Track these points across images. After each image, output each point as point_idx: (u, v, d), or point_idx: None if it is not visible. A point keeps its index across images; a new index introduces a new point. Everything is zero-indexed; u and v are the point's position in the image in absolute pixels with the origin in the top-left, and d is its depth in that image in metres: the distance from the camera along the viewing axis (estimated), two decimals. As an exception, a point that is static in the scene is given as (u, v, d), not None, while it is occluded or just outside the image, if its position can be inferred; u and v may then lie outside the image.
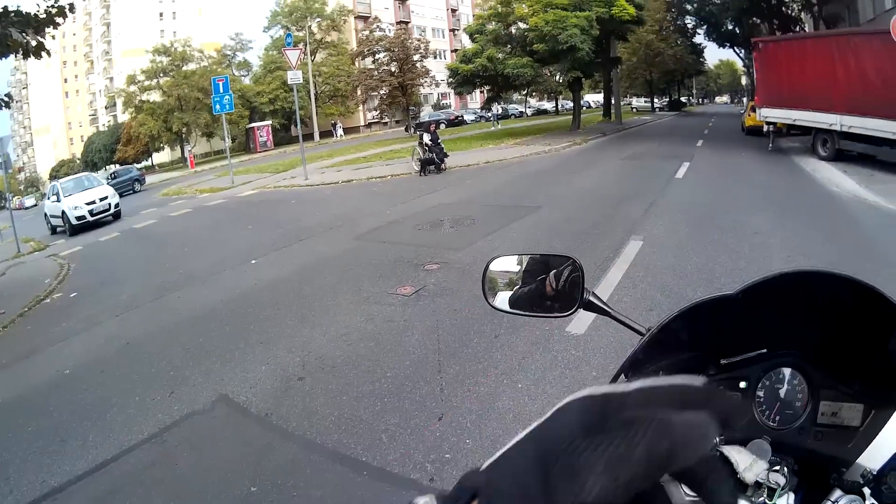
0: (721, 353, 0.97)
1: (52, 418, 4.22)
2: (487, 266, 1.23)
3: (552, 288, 1.16)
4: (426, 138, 15.33)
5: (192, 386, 4.12)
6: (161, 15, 66.57)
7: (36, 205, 44.64)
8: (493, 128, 30.89)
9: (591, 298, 1.11)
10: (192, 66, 48.71)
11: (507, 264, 1.24)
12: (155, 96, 48.34)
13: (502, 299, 1.20)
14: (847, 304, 0.91)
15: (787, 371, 0.95)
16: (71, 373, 5.16)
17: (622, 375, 0.93)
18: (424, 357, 3.96)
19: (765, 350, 0.95)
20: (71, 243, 14.45)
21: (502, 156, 16.39)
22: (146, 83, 48.65)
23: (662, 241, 6.58)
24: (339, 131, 47.91)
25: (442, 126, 38.27)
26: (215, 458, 3.33)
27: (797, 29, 29.77)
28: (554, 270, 1.17)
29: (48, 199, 18.86)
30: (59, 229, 17.40)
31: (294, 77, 17.08)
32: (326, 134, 48.85)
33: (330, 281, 6.31)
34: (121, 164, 49.14)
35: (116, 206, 17.24)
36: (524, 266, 1.23)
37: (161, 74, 48.29)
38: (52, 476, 3.35)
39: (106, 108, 70.28)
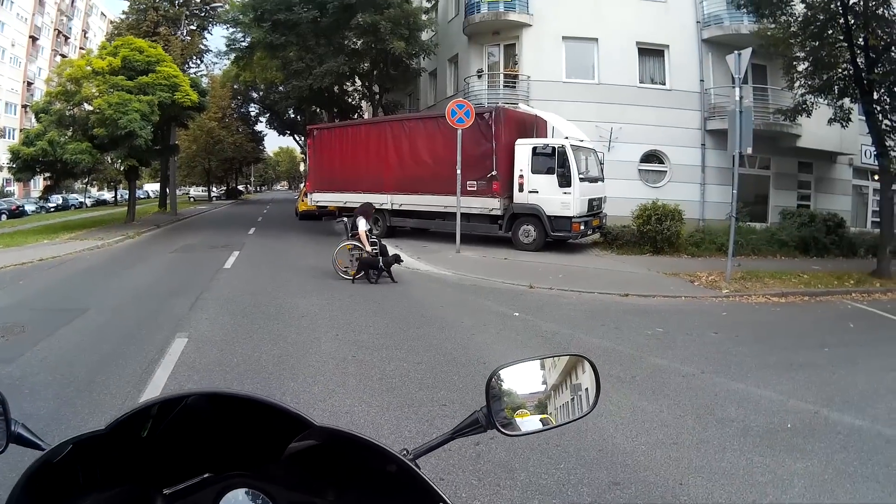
0: (169, 482, 0.89)
1: None
2: None
3: None
4: (361, 226, 10.29)
5: None
6: None
7: None
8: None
9: (21, 431, 0.94)
10: None
11: None
12: None
13: None
14: (252, 419, 0.88)
15: (241, 492, 0.87)
16: None
17: None
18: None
19: (209, 475, 0.90)
20: None
21: (57, 252, 14.56)
22: None
23: (208, 336, 6.55)
24: None
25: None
26: None
27: (356, 116, 30.87)
28: None
29: None
30: None
31: None
32: None
33: None
34: None
35: None
36: None
37: None
38: None
39: None
